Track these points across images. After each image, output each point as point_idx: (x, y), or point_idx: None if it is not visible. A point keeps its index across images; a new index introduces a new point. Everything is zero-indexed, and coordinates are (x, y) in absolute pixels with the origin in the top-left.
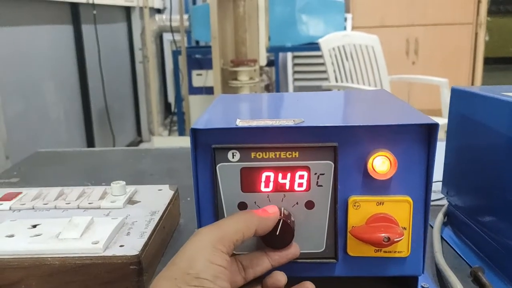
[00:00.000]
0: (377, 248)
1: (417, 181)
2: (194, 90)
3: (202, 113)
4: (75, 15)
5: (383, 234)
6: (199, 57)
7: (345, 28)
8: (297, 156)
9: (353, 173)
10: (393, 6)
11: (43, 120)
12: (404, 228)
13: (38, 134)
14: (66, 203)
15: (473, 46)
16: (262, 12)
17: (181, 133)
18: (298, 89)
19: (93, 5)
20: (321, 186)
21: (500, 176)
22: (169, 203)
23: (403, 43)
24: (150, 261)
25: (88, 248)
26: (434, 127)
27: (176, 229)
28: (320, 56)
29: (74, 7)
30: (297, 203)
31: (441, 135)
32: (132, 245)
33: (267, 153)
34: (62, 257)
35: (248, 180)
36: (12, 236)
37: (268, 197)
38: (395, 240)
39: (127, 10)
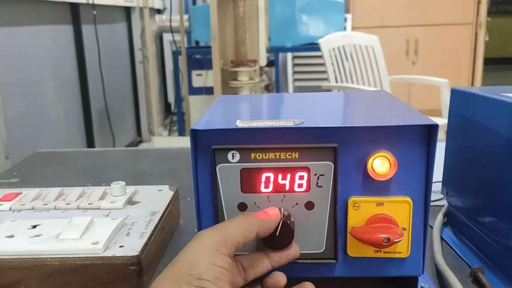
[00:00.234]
0: (377, 249)
1: (417, 182)
2: (194, 91)
3: (202, 114)
4: (75, 15)
5: (383, 235)
6: (199, 58)
7: (345, 29)
8: (297, 156)
9: (353, 174)
10: (393, 6)
11: (43, 120)
12: (404, 229)
13: (38, 134)
14: (66, 204)
15: (473, 47)
16: (262, 12)
17: (181, 133)
18: (298, 89)
19: (93, 5)
20: (321, 186)
21: (500, 177)
22: (169, 204)
23: (403, 44)
24: (150, 261)
25: (88, 248)
26: (433, 128)
27: (176, 230)
28: (320, 57)
29: (74, 7)
30: (297, 204)
31: (441, 135)
32: (132, 246)
33: (267, 153)
34: (62, 257)
35: (248, 180)
36: (12, 236)
37: (268, 197)
38: (395, 240)
39: (127, 10)
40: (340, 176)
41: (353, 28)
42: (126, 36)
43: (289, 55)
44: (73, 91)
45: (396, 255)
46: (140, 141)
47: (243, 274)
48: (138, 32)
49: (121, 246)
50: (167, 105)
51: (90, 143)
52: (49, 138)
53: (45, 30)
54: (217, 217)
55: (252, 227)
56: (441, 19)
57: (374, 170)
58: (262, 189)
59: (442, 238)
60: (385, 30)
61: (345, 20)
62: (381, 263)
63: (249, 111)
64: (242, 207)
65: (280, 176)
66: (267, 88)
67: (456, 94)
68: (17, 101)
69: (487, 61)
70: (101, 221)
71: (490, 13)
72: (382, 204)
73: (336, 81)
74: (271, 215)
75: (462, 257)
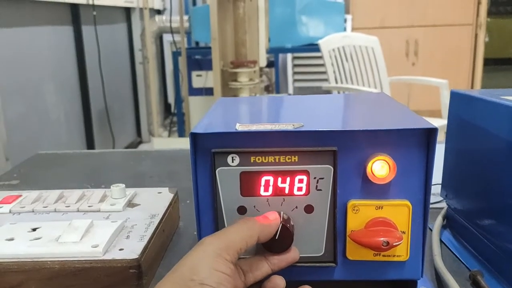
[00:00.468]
0: (376, 252)
1: (416, 186)
2: (194, 91)
3: (202, 115)
4: (75, 16)
5: (382, 238)
6: (199, 58)
7: (345, 29)
8: (296, 160)
9: (352, 177)
10: (393, 7)
11: (43, 122)
12: (403, 232)
13: (38, 136)
14: (66, 206)
15: (473, 47)
16: (262, 13)
17: (181, 134)
18: (298, 90)
19: (93, 6)
20: (320, 190)
21: (500, 180)
22: (168, 206)
23: (403, 44)
24: (149, 264)
25: (88, 251)
26: (433, 131)
27: (175, 232)
28: (320, 57)
29: (74, 8)
30: (296, 207)
31: (441, 136)
32: (131, 249)
33: (267, 157)
34: (62, 260)
35: (248, 184)
36: (12, 239)
37: (267, 201)
38: (394, 244)
39: (127, 11)
40: (340, 180)
41: (353, 29)
42: (126, 36)
43: (289, 56)
44: (73, 92)
45: (395, 259)
46: (140, 142)
47: (243, 278)
48: (138, 32)
49: (120, 249)
50: (167, 106)
51: (90, 144)
52: (49, 139)
53: (45, 31)
54: (216, 221)
55: (253, 232)
56: (441, 20)
57: (373, 174)
58: (262, 192)
59: (441, 241)
60: (385, 31)
61: (345, 21)
62: (380, 267)
63: (249, 114)
64: (242, 210)
65: (279, 179)
66: (267, 89)
67: (455, 97)
68: (17, 102)
69: (487, 62)
70: (101, 224)
71: (490, 13)
72: (382, 208)
73: (336, 82)
74: (271, 220)
75: (462, 260)
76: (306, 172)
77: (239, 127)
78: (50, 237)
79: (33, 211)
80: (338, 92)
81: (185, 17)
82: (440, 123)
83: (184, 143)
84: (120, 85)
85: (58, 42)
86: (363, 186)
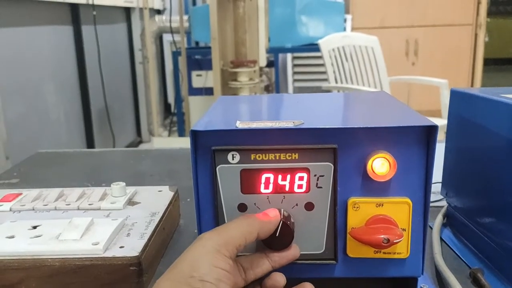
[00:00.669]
0: (376, 250)
1: (416, 183)
2: (194, 91)
3: (202, 115)
4: (75, 16)
5: (382, 236)
6: (199, 58)
7: (344, 29)
8: (296, 157)
9: (352, 175)
10: (392, 7)
11: (43, 121)
12: (404, 230)
13: (38, 135)
14: (66, 204)
15: (473, 47)
16: (262, 13)
17: (181, 134)
18: (297, 90)
19: (93, 6)
20: (320, 187)
21: (500, 178)
22: (169, 204)
23: (403, 44)
24: (150, 262)
25: (88, 249)
26: (433, 129)
27: (176, 230)
28: (320, 57)
29: (74, 8)
30: (296, 205)
31: (441, 136)
32: (132, 246)
33: (267, 154)
34: (62, 258)
35: (248, 181)
36: (12, 237)
37: (268, 198)
38: (395, 241)
39: (127, 11)
40: (340, 177)
41: (353, 29)
42: (126, 36)
43: (289, 55)
44: (73, 91)
45: (396, 256)
46: (140, 142)
47: (244, 275)
48: (138, 32)
49: (121, 247)
50: (167, 106)
51: (90, 143)
52: (49, 138)
53: (45, 31)
54: (217, 218)
55: (253, 229)
56: (441, 20)
57: (373, 171)
58: (262, 190)
59: (441, 239)
60: (385, 30)
61: (345, 20)
62: (381, 264)
63: (249, 112)
64: (242, 208)
65: (280, 177)
66: (267, 89)
67: (455, 95)
68: (17, 102)
69: (487, 62)
70: (101, 222)
71: (490, 13)
72: (382, 205)
73: (336, 82)
74: (271, 217)
75: (462, 258)
76: (306, 170)
77: (240, 125)
78: (50, 235)
79: (33, 209)
80: (338, 92)
81: (185, 17)
82: (440, 123)
83: (184, 143)
84: (120, 85)
85: (58, 42)
86: (363, 184)
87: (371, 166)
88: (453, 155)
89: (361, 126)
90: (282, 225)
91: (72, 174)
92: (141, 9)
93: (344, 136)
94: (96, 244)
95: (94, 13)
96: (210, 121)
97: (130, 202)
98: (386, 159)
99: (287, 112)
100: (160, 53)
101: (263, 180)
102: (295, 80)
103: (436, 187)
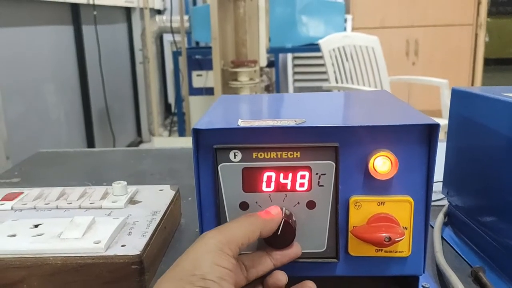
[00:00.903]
0: (378, 248)
1: (418, 181)
2: (194, 91)
3: (203, 114)
4: (75, 15)
5: (384, 234)
6: (199, 58)
7: (345, 29)
8: (298, 156)
9: (354, 173)
10: (393, 7)
11: (44, 121)
12: (405, 228)
13: (38, 135)
14: (68, 203)
15: (473, 47)
16: (262, 13)
17: (181, 133)
18: (298, 90)
19: (94, 6)
20: (322, 186)
21: (501, 177)
22: (170, 203)
23: (403, 44)
24: (151, 260)
25: (90, 247)
26: (435, 127)
27: (177, 229)
28: (320, 57)
29: (75, 8)
30: (298, 203)
31: (441, 136)
32: (133, 245)
33: (269, 153)
34: (64, 256)
35: (250, 180)
36: (14, 235)
37: (269, 197)
38: (396, 240)
39: (128, 11)
40: (342, 176)
41: (353, 29)
42: (126, 36)
43: (289, 55)
44: (74, 91)
45: (397, 254)
46: (140, 142)
47: (245, 273)
48: (138, 32)
49: (122, 245)
50: (167, 106)
51: (91, 143)
52: (50, 138)
53: (45, 31)
54: (218, 217)
55: (255, 227)
56: (441, 20)
57: (375, 170)
58: (264, 188)
59: (442, 238)
60: (385, 30)
61: (345, 20)
62: (382, 262)
63: (251, 110)
64: (244, 206)
65: (281, 175)
66: (267, 89)
67: (456, 94)
68: (17, 101)
69: (487, 62)
70: (103, 221)
71: (490, 13)
72: (383, 204)
73: (336, 82)
74: (273, 215)
75: (463, 257)
76: (308, 168)
77: (241, 123)
78: (52, 234)
79: (35, 208)
80: (339, 91)
81: (186, 17)
82: (440, 122)
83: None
84: (120, 85)
85: (59, 42)
86: (365, 182)
87: (373, 164)
88: (454, 154)
89: (363, 125)
90: (284, 223)
91: (73, 173)
92: (141, 9)
93: (346, 134)
94: (97, 243)
95: (95, 13)
96: (212, 120)
97: (132, 201)
98: (388, 157)
99: (289, 111)
100: (160, 53)
101: (265, 178)
102: (295, 80)
103: (437, 186)
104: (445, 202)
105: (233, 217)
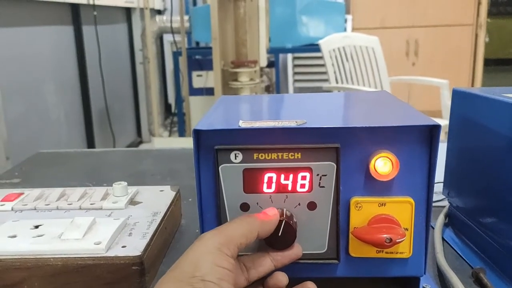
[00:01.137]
0: (379, 249)
1: (419, 182)
2: (194, 91)
3: (203, 115)
4: (75, 16)
5: (385, 235)
6: (199, 58)
7: (345, 30)
8: (299, 157)
9: (355, 174)
10: (393, 7)
11: (44, 121)
12: (406, 229)
13: (38, 135)
14: (68, 204)
15: (473, 48)
16: (262, 13)
17: (182, 134)
18: (298, 90)
19: (94, 6)
20: (323, 187)
21: (501, 177)
22: (170, 204)
23: (403, 44)
24: (152, 261)
25: (91, 248)
26: (436, 128)
27: (177, 230)
28: (321, 57)
29: (75, 8)
30: (299, 204)
31: (441, 136)
32: (134, 246)
33: (270, 154)
34: (65, 257)
35: (251, 181)
36: (14, 236)
37: (270, 198)
38: (397, 241)
39: (128, 11)
40: (343, 177)
41: (353, 29)
42: (126, 37)
43: (290, 56)
44: (74, 91)
45: (398, 256)
46: (140, 142)
47: (246, 275)
48: (138, 32)
49: (123, 246)
50: (167, 106)
51: (91, 144)
52: (50, 139)
53: (45, 31)
54: (219, 217)
55: (253, 228)
56: (441, 20)
57: (376, 171)
58: (265, 189)
59: (443, 239)
60: (385, 31)
61: (346, 21)
62: (383, 264)
63: (252, 111)
64: (245, 207)
65: (282, 176)
66: (268, 89)
67: (457, 95)
68: (17, 101)
69: (487, 62)
70: (103, 221)
71: (490, 14)
72: (384, 205)
73: (337, 82)
74: (271, 216)
75: (464, 258)
76: (309, 169)
77: (242, 124)
78: (52, 234)
79: (35, 209)
80: (339, 92)
81: (186, 17)
82: (440, 123)
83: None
84: (120, 85)
85: (59, 42)
86: (366, 183)
87: (374, 165)
88: (455, 155)
89: (364, 126)
90: (285, 224)
91: (73, 174)
92: (141, 9)
93: (347, 135)
94: (98, 244)
95: (95, 13)
96: (213, 121)
97: (132, 202)
98: (389, 158)
99: (290, 112)
100: (160, 53)
101: (265, 179)
102: (295, 81)
103: (437, 187)
104: (445, 203)
105: (233, 218)
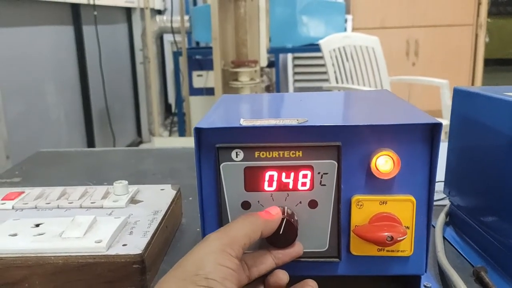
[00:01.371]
0: (380, 247)
1: (420, 181)
2: (194, 91)
3: (203, 115)
4: (75, 16)
5: (386, 233)
6: (199, 58)
7: (345, 29)
8: (300, 155)
9: (356, 173)
10: (393, 7)
11: (44, 121)
12: (407, 227)
13: (39, 135)
14: (69, 203)
15: (473, 48)
16: (262, 13)
17: (182, 134)
18: (298, 90)
19: (94, 6)
20: (324, 185)
21: (502, 176)
22: (171, 203)
23: (403, 44)
24: (153, 260)
25: (91, 247)
26: (437, 126)
27: (178, 229)
28: (321, 57)
29: (75, 8)
30: (300, 202)
31: (442, 136)
32: (135, 244)
33: (271, 152)
34: (65, 256)
35: (252, 179)
36: (15, 235)
37: (271, 196)
38: (398, 239)
39: (128, 11)
40: (344, 175)
41: (354, 29)
42: (126, 36)
43: (290, 56)
44: (74, 91)
45: (399, 254)
46: (141, 142)
47: (247, 272)
48: (138, 32)
49: (124, 245)
50: (167, 106)
51: (91, 143)
52: (50, 138)
53: (45, 31)
54: (220, 216)
55: (256, 227)
56: (441, 20)
57: (377, 169)
58: (266, 187)
59: (444, 238)
60: (385, 31)
61: (346, 21)
62: (384, 262)
63: (253, 110)
64: (246, 205)
65: (283, 174)
66: (268, 89)
67: (458, 94)
68: (17, 101)
69: (487, 62)
70: (104, 220)
71: (490, 14)
72: (386, 203)
73: (337, 82)
74: (274, 215)
75: (465, 257)
76: (310, 167)
77: (243, 122)
78: (53, 233)
79: (36, 208)
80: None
81: (186, 17)
82: None
83: (184, 143)
84: (120, 85)
85: (59, 42)
86: (367, 181)
87: (375, 163)
88: (456, 154)
89: (365, 124)
90: (286, 222)
91: (73, 173)
92: (142, 9)
93: (348, 133)
94: (99, 242)
95: (95, 13)
96: (214, 119)
97: (133, 201)
98: (390, 156)
99: (291, 110)
100: (160, 53)
101: (267, 177)
102: (295, 80)
103: (438, 186)
104: (446, 202)
105: (235, 216)
